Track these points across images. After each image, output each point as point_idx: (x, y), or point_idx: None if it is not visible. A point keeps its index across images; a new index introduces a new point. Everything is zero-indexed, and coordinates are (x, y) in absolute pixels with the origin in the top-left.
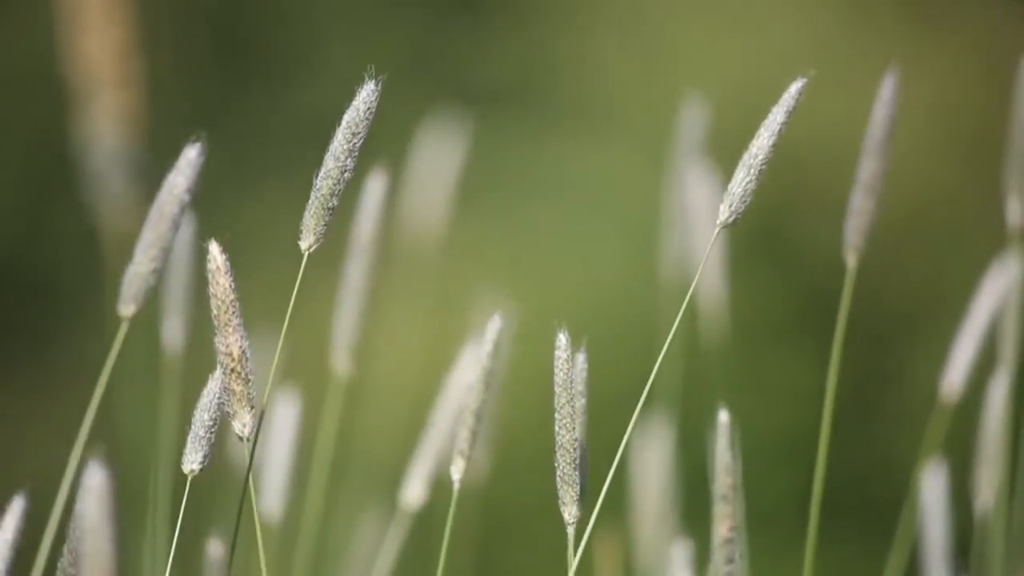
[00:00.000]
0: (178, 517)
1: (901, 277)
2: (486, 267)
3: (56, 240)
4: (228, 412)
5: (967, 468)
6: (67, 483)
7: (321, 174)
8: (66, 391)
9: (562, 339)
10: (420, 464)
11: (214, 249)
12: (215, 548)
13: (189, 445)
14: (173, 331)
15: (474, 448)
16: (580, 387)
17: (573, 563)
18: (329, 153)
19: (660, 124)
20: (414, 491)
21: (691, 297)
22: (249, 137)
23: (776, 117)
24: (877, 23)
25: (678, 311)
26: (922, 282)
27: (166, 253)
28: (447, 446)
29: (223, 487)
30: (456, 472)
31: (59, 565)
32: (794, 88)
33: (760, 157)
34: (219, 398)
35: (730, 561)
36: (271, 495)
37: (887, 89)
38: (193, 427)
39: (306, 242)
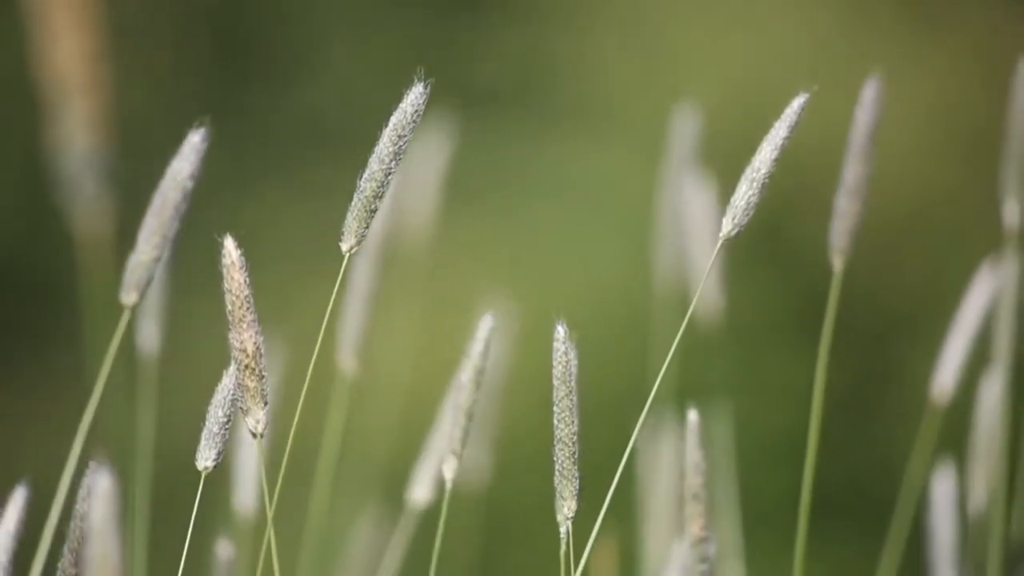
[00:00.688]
0: (191, 516)
1: (900, 277)
2: (486, 267)
3: (56, 240)
4: (241, 408)
5: (963, 467)
6: (66, 483)
7: (365, 176)
8: (66, 391)
9: (560, 331)
10: (425, 464)
11: (229, 244)
12: (223, 548)
13: (203, 442)
14: (148, 332)
15: (466, 447)
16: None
17: (578, 566)
18: (374, 155)
19: (660, 124)
20: (420, 492)
21: (689, 304)
22: (249, 137)
23: (779, 132)
24: (877, 23)
25: (674, 319)
26: (921, 282)
27: (168, 241)
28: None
29: (215, 483)
30: (448, 471)
31: (59, 565)
32: (796, 103)
33: (763, 171)
34: (233, 394)
35: (704, 560)
36: (245, 491)
37: (869, 93)
38: (207, 424)
39: (347, 244)
